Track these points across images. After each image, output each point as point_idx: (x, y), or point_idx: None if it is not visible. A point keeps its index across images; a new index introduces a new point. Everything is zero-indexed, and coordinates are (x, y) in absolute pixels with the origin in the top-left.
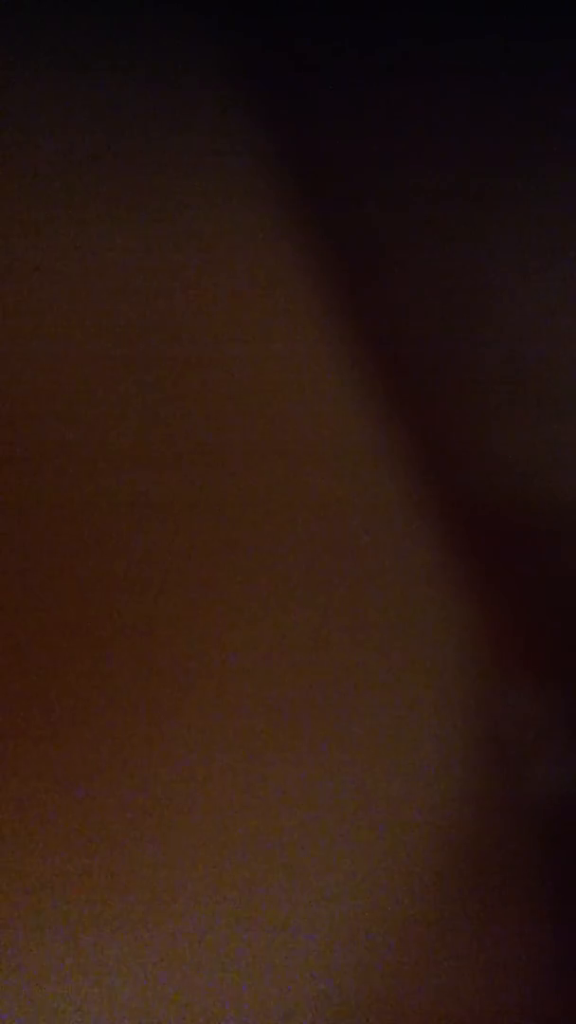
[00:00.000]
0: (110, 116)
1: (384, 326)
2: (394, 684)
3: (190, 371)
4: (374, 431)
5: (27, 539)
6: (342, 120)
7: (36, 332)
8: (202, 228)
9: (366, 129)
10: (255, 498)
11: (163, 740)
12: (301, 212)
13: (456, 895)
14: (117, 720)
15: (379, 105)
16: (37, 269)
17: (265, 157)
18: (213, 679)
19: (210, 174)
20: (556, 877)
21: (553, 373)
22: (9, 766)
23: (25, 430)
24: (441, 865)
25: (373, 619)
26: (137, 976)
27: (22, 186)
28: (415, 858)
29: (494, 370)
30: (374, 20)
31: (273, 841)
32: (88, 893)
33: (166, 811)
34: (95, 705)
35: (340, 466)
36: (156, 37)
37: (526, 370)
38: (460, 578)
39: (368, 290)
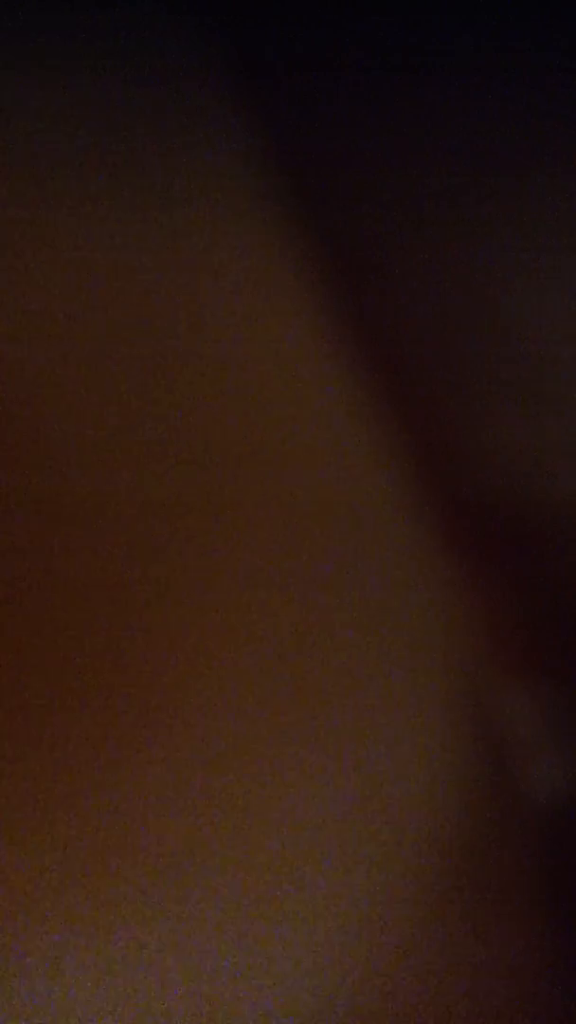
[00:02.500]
0: (110, 116)
1: (383, 326)
2: (392, 684)
3: (189, 371)
4: (373, 431)
5: (25, 539)
6: (342, 120)
7: (35, 332)
8: (202, 228)
9: (366, 129)
10: (253, 498)
11: (161, 739)
12: (301, 212)
13: (455, 895)
14: (115, 719)
15: (379, 105)
16: (36, 269)
17: (265, 157)
18: (211, 679)
19: (210, 174)
20: (556, 877)
21: (553, 373)
22: (7, 767)
23: (23, 430)
24: (440, 865)
25: (372, 619)
26: (136, 981)
27: (21, 186)
28: (414, 858)
29: (494, 370)
30: (374, 20)
31: (270, 842)
32: (88, 897)
33: (163, 810)
34: (94, 703)
35: (338, 465)
36: (156, 37)
37: (526, 370)
38: (459, 578)
39: (367, 290)
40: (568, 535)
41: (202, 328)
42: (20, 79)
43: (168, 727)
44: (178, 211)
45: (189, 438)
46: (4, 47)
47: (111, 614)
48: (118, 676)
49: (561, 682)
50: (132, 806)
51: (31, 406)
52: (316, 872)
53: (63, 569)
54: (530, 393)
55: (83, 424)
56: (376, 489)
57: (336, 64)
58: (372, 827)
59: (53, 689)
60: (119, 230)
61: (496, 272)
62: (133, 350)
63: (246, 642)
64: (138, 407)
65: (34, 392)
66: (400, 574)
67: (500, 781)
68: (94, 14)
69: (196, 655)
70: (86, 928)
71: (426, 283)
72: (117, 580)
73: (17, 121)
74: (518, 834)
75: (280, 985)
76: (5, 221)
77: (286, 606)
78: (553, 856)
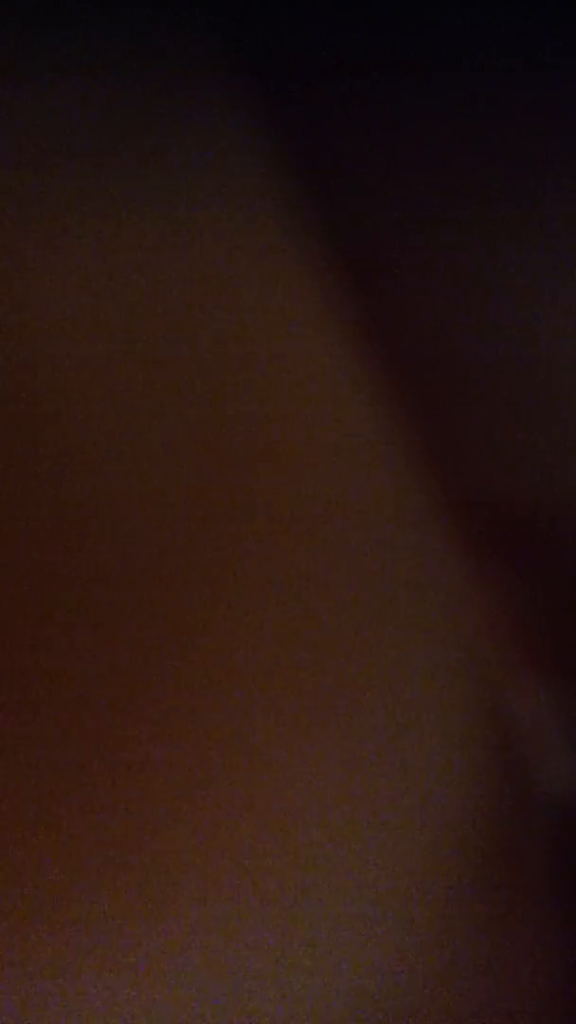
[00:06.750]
0: (110, 116)
1: (386, 327)
2: (397, 685)
3: (192, 372)
4: (376, 431)
5: (28, 538)
6: (345, 119)
7: (37, 332)
8: (203, 228)
9: (369, 128)
10: (257, 497)
11: (162, 740)
12: (304, 212)
13: (461, 897)
14: (115, 720)
15: (382, 104)
16: (37, 269)
17: (267, 157)
18: (212, 679)
19: (210, 174)
20: (563, 878)
21: (554, 374)
22: (6, 768)
23: (26, 429)
24: (446, 867)
25: (375, 619)
26: (136, 985)
27: (21, 186)
28: (419, 860)
29: (495, 371)
30: (375, 19)
31: (274, 843)
32: (88, 899)
33: (165, 812)
34: (95, 703)
35: (341, 466)
36: (156, 36)
37: (527, 371)
38: (463, 578)
39: (370, 290)
40: (572, 536)
41: (204, 328)
42: (20, 79)
43: (168, 727)
44: (179, 210)
45: (193, 438)
46: (4, 46)
47: (111, 614)
48: (116, 677)
49: (567, 682)
50: (130, 810)
51: (33, 406)
52: (319, 875)
53: (64, 568)
54: (534, 394)
55: (85, 423)
56: (379, 490)
57: (339, 62)
58: (377, 829)
59: (52, 688)
60: (119, 230)
61: (501, 273)
62: (134, 349)
63: (252, 642)
64: (141, 406)
65: (37, 392)
66: (404, 576)
67: (511, 781)
68: (94, 13)
69: (196, 656)
70: (92, 931)
71: (431, 284)
72: (118, 579)
73: (17, 121)
74: (525, 835)
75: (283, 990)
76: (5, 221)
77: (289, 607)
78: (561, 857)
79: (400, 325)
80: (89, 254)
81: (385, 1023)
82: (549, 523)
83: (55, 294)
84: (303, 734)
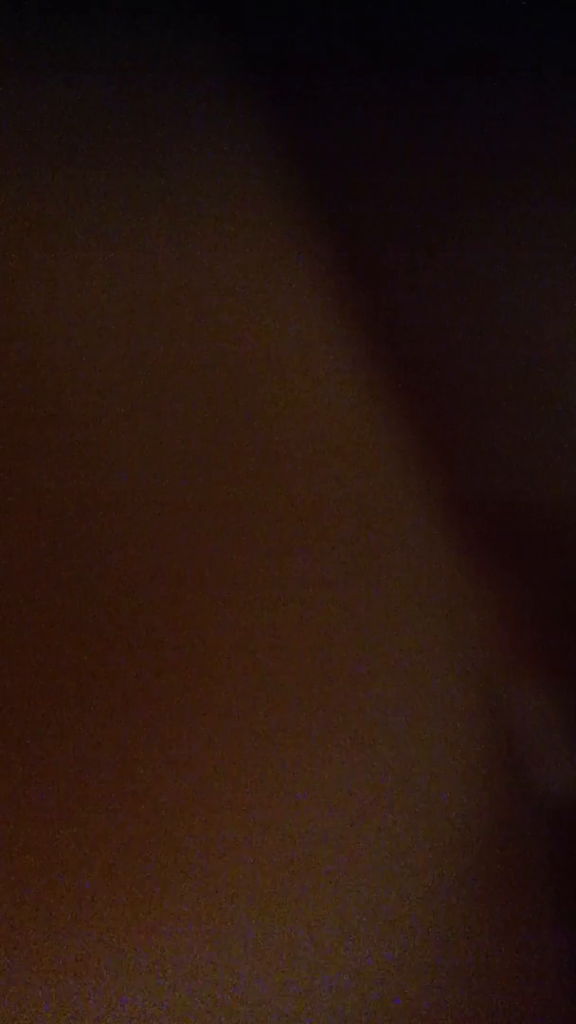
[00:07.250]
0: (110, 116)
1: (386, 327)
2: (400, 685)
3: (191, 371)
4: (377, 432)
5: (29, 537)
6: (345, 119)
7: (38, 332)
8: (203, 228)
9: (370, 128)
10: (259, 498)
11: (165, 742)
12: (304, 212)
13: (463, 893)
14: (119, 718)
15: (382, 104)
16: (37, 268)
17: (267, 157)
18: (215, 680)
19: (210, 174)
20: (563, 875)
21: (554, 374)
22: (9, 766)
23: (27, 429)
24: (448, 864)
25: (378, 620)
26: (137, 985)
27: (23, 186)
28: (420, 861)
29: (495, 371)
30: (375, 20)
31: (276, 842)
32: (89, 896)
33: (168, 811)
34: (96, 702)
35: (343, 467)
36: (157, 37)
37: (527, 371)
38: (464, 579)
39: (370, 290)
40: (572, 537)
41: (204, 328)
42: (22, 78)
43: (171, 727)
44: (179, 210)
45: (194, 437)
46: (5, 46)
47: (114, 612)
48: (119, 675)
49: (568, 681)
50: (134, 808)
51: (34, 406)
52: (321, 872)
53: (65, 567)
54: (533, 394)
55: (86, 423)
56: (382, 491)
57: (339, 63)
58: (380, 827)
59: (53, 688)
60: (119, 229)
61: (500, 274)
62: (134, 349)
63: (252, 642)
64: (141, 406)
65: (37, 392)
66: (406, 576)
67: (511, 781)
68: (95, 13)
69: (199, 658)
70: (86, 933)
71: (432, 285)
72: (120, 577)
73: (18, 120)
74: (526, 832)
75: (284, 989)
76: (6, 220)
77: (291, 607)
78: (561, 854)
79: (400, 325)
80: (89, 254)
81: (386, 1023)
82: (549, 523)
83: (55, 294)
84: (304, 736)
